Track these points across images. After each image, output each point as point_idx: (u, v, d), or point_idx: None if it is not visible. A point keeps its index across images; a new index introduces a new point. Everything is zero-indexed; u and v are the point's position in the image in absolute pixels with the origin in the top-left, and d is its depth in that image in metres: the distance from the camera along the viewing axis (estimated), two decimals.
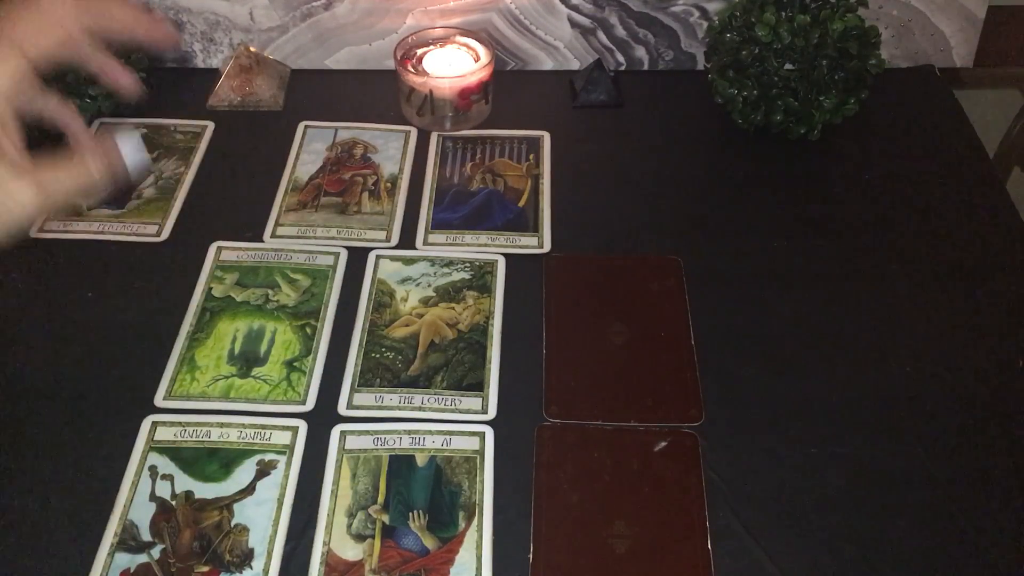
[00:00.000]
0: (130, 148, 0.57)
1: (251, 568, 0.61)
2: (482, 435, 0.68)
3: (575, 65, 1.03)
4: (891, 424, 0.69)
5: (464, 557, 0.61)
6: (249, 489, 0.65)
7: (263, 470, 0.66)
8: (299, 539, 0.63)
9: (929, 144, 0.94)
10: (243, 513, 0.64)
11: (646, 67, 1.04)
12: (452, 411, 0.70)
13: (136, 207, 0.86)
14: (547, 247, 0.83)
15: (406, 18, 1.00)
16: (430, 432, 0.68)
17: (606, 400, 0.71)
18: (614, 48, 1.02)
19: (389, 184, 0.89)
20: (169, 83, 1.01)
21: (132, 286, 0.79)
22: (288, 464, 0.66)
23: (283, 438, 0.68)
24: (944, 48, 1.03)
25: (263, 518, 0.63)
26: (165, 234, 0.84)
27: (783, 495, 0.65)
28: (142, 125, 0.95)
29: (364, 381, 0.72)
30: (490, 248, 0.83)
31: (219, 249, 0.82)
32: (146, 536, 0.62)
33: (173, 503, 0.64)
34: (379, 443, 0.68)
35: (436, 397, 0.71)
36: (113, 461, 0.66)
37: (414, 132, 0.95)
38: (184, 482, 0.65)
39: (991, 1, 1.00)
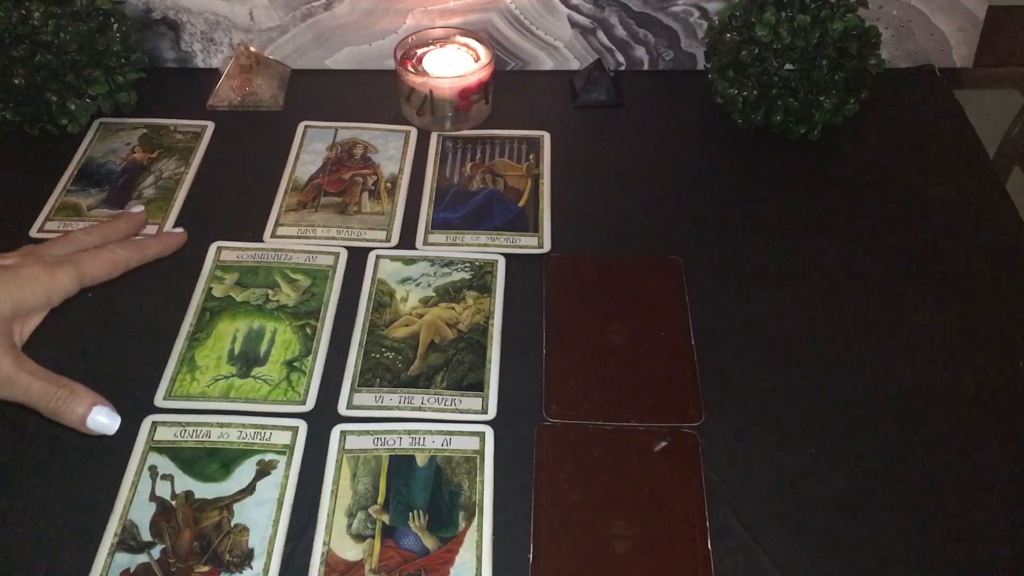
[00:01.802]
0: (101, 415, 0.59)
1: (251, 568, 0.61)
2: (482, 435, 0.68)
3: (575, 65, 1.03)
4: (891, 424, 0.69)
5: (464, 557, 0.61)
6: (249, 489, 0.65)
7: (263, 470, 0.66)
8: (299, 539, 0.63)
9: (929, 144, 0.94)
10: (243, 513, 0.64)
11: (646, 67, 1.04)
12: (452, 411, 0.70)
13: None
14: (547, 247, 0.83)
15: (406, 18, 1.00)
16: (430, 432, 0.68)
17: (606, 400, 0.71)
18: (614, 48, 1.02)
19: (389, 184, 0.89)
20: (169, 83, 1.01)
21: (132, 286, 0.79)
22: (288, 464, 0.66)
23: (283, 438, 0.68)
24: (944, 48, 1.03)
25: (263, 518, 0.63)
26: None
27: (783, 495, 0.65)
28: (142, 125, 0.95)
29: (364, 381, 0.72)
30: (490, 248, 0.83)
31: (219, 249, 0.82)
32: (146, 536, 0.62)
33: (173, 503, 0.64)
34: (379, 443, 0.68)
35: (436, 397, 0.71)
36: (113, 461, 0.66)
37: (414, 132, 0.95)
38: (184, 482, 0.65)
39: (991, 1, 1.00)
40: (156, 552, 0.62)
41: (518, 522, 0.63)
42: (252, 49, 1.00)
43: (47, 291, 0.60)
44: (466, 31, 0.96)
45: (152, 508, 0.64)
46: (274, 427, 0.69)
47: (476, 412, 0.70)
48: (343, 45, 1.02)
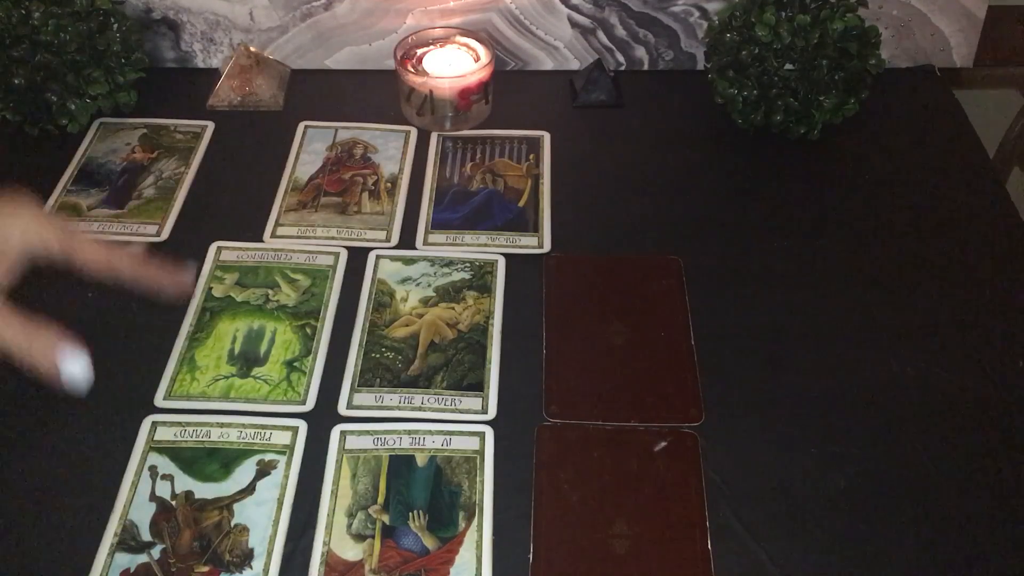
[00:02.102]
0: (73, 365, 0.60)
1: (251, 568, 0.61)
2: (482, 435, 0.68)
3: (575, 65, 1.03)
4: (891, 424, 0.69)
5: (464, 557, 0.61)
6: (249, 489, 0.65)
7: (263, 470, 0.66)
8: (299, 539, 0.63)
9: (929, 144, 0.94)
10: (243, 513, 0.64)
11: (646, 67, 1.04)
12: (452, 411, 0.70)
13: (136, 207, 0.86)
14: (547, 247, 0.83)
15: (406, 18, 1.00)
16: (430, 432, 0.68)
17: (606, 400, 0.71)
18: (614, 48, 1.02)
19: (389, 184, 0.89)
20: (169, 83, 1.01)
21: (132, 286, 0.79)
22: (288, 464, 0.66)
23: (283, 438, 0.68)
24: (944, 48, 1.03)
25: (263, 518, 0.63)
26: (165, 234, 0.84)
27: (783, 495, 0.65)
28: (142, 125, 0.95)
29: (364, 381, 0.72)
30: (490, 248, 0.83)
31: (219, 249, 0.82)
32: (146, 536, 0.62)
33: (173, 503, 0.64)
34: (379, 443, 0.68)
35: (436, 397, 0.71)
36: (113, 461, 0.66)
37: (414, 132, 0.95)
38: (184, 482, 0.65)
39: (991, 1, 1.00)
40: (156, 552, 0.62)
41: (518, 522, 0.63)
42: (252, 49, 1.00)
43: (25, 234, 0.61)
44: (466, 31, 0.96)
45: (152, 508, 0.64)
46: (274, 427, 0.69)
47: (476, 412, 0.70)
48: (343, 45, 1.02)
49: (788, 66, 0.88)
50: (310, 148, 0.93)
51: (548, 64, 1.04)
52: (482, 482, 0.65)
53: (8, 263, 0.61)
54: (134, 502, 0.64)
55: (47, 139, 0.93)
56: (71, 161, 0.91)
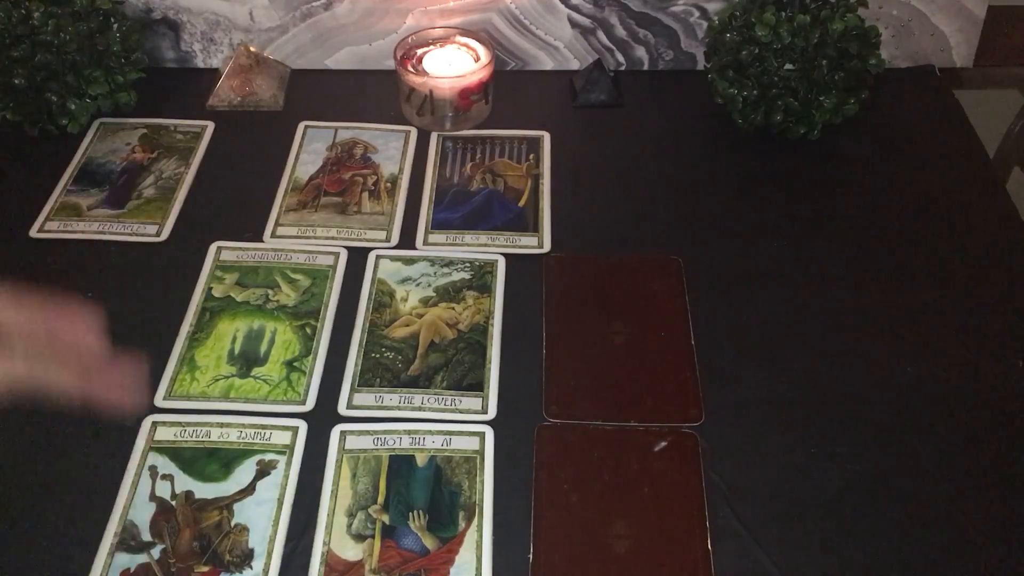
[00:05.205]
0: None
1: (251, 568, 0.61)
2: (482, 435, 0.68)
3: (575, 65, 1.03)
4: (891, 424, 0.69)
5: (464, 557, 0.61)
6: (249, 489, 0.65)
7: (263, 470, 0.66)
8: (299, 539, 0.63)
9: (929, 144, 0.94)
10: (243, 513, 0.64)
11: (646, 67, 1.04)
12: (452, 411, 0.70)
13: (136, 207, 0.86)
14: (547, 247, 0.83)
15: (406, 18, 1.00)
16: (430, 432, 0.68)
17: (606, 400, 0.71)
18: (614, 48, 1.02)
19: (389, 184, 0.89)
20: (169, 83, 1.01)
21: (132, 286, 0.79)
22: (288, 464, 0.66)
23: (283, 438, 0.68)
24: (944, 48, 1.03)
25: (263, 518, 0.63)
26: (165, 234, 0.84)
27: (783, 495, 0.65)
28: (142, 125, 0.95)
29: (364, 381, 0.72)
30: (490, 248, 0.83)
31: (219, 249, 0.82)
32: (146, 536, 0.62)
33: (173, 503, 0.64)
34: (379, 443, 0.68)
35: (436, 397, 0.71)
36: (113, 461, 0.66)
37: (414, 132, 0.95)
38: (184, 482, 0.65)
39: (991, 1, 1.00)
40: (156, 552, 0.62)
41: (518, 522, 0.63)
42: (252, 49, 1.00)
43: None
44: (466, 31, 0.96)
45: (152, 508, 0.64)
46: (274, 427, 0.69)
47: (476, 412, 0.70)
48: (343, 45, 1.02)
49: (788, 66, 0.88)
50: (310, 148, 0.93)
51: (548, 64, 1.04)
52: (482, 482, 0.65)
53: None
54: (134, 502, 0.64)
55: (47, 139, 0.93)
56: (71, 161, 0.91)
